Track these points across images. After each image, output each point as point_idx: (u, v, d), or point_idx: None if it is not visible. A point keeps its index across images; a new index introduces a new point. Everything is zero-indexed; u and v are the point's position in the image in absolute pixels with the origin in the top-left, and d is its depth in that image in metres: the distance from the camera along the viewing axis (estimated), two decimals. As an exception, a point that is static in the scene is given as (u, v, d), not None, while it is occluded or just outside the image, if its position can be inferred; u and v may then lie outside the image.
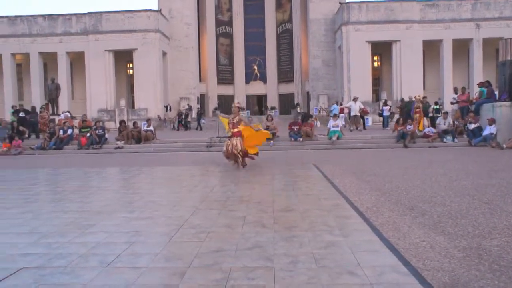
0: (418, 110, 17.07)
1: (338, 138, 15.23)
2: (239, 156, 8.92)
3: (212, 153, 13.75)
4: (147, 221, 4.55)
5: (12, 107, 21.00)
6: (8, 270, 3.00)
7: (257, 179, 7.40)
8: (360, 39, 28.79)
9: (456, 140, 14.48)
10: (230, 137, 9.11)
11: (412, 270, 2.87)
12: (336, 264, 3.03)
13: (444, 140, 14.58)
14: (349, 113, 21.07)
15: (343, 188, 6.24)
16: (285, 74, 38.70)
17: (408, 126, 14.96)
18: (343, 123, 18.19)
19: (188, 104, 30.62)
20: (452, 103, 17.86)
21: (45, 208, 5.52)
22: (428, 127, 16.32)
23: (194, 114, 30.08)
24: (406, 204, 5.12)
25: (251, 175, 8.10)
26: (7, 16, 30.82)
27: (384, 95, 27.84)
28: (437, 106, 19.43)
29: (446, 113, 16.14)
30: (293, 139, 15.49)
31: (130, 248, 3.49)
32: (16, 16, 30.81)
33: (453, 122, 15.57)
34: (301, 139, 15.32)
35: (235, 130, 9.03)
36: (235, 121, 9.14)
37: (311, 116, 20.29)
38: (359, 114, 20.49)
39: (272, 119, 16.40)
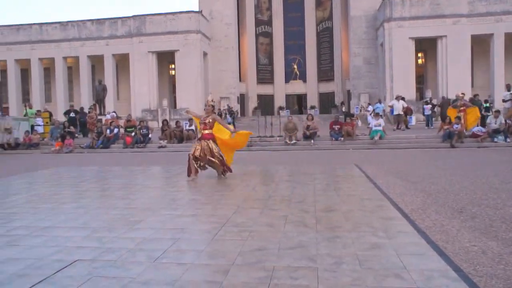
0: (463, 108, 16.32)
1: (380, 138, 14.89)
2: (216, 163, 7.60)
3: (253, 153, 13.85)
4: (190, 218, 4.66)
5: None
6: (65, 261, 3.18)
7: (298, 179, 7.37)
8: (403, 36, 27.89)
9: (508, 140, 13.74)
10: (199, 139, 7.78)
11: (462, 276, 2.75)
12: (381, 266, 2.97)
13: (495, 140, 13.87)
14: (391, 111, 20.56)
15: (386, 189, 6.09)
16: (325, 73, 38.22)
17: (455, 125, 14.36)
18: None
19: (227, 105, 31.01)
20: (504, 100, 16.93)
21: (95, 204, 5.78)
22: (477, 126, 15.57)
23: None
24: (454, 206, 4.92)
25: (292, 175, 8.08)
26: (59, 22, 32.56)
27: (428, 94, 26.79)
28: (487, 104, 18.50)
29: (498, 111, 15.32)
30: (334, 139, 15.30)
31: (175, 244, 3.59)
32: (68, 22, 32.46)
33: (505, 121, 14.76)
34: (342, 138, 15.10)
35: (206, 132, 7.66)
36: (207, 121, 7.71)
37: (352, 115, 19.96)
38: (402, 113, 19.91)
39: (312, 118, 16.28)
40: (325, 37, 38.12)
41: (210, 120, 7.71)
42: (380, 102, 23.37)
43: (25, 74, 34.13)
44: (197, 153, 7.49)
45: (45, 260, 3.23)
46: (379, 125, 15.30)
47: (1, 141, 16.99)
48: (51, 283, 2.77)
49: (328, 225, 4.15)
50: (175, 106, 32.23)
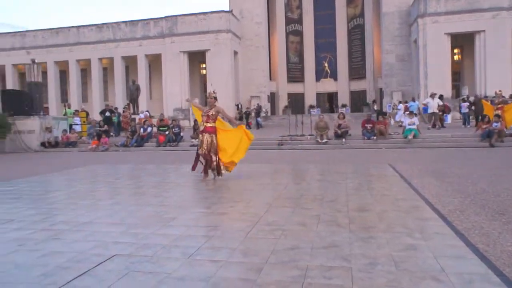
0: (500, 106, 15.66)
1: (414, 137, 14.51)
2: (212, 160, 7.22)
3: (283, 152, 13.84)
4: (223, 216, 4.71)
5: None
6: (103, 256, 3.30)
7: (330, 178, 7.30)
8: (439, 32, 27.03)
9: (552, 139, 13.07)
10: (201, 131, 7.39)
11: (506, 281, 2.64)
12: (418, 268, 2.90)
13: (538, 139, 13.23)
14: (424, 110, 20.06)
15: (421, 189, 5.94)
16: (357, 71, 37.63)
17: (495, 124, 13.79)
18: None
19: (257, 104, 31.08)
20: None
21: (130, 201, 5.95)
22: (519, 124, 14.88)
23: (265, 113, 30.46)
24: (494, 208, 4.73)
25: (324, 174, 8.01)
26: (95, 24, 33.67)
27: (465, 91, 25.90)
28: (529, 102, 17.65)
29: (541, 109, 14.61)
30: (366, 138, 15.04)
31: (208, 242, 3.64)
32: (103, 24, 33.53)
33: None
34: (374, 137, 14.83)
35: (209, 125, 7.26)
36: (210, 113, 7.28)
37: (385, 114, 19.57)
38: (437, 111, 19.33)
39: (344, 117, 16.08)
40: (356, 34, 37.51)
41: (214, 113, 7.30)
42: (413, 100, 22.77)
43: (63, 75, 35.53)
44: (201, 151, 7.23)
45: (85, 254, 3.36)
46: (413, 124, 14.91)
47: (42, 140, 17.75)
48: (92, 276, 2.88)
49: (362, 225, 4.09)
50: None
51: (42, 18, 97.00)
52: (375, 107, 29.63)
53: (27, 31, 35.46)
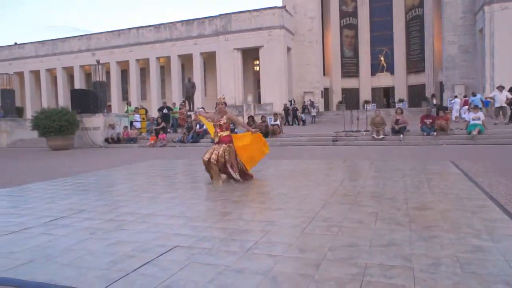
0: None
1: (479, 133, 13.64)
2: (229, 172, 6.83)
3: (338, 148, 13.61)
4: (279, 212, 4.73)
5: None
6: (166, 246, 3.45)
7: (388, 175, 7.08)
8: (508, 19, 25.11)
9: None
10: (217, 143, 6.91)
11: None
12: (487, 271, 2.73)
13: None
14: (485, 103, 18.81)
15: (488, 188, 5.57)
16: (415, 64, 36.04)
17: None
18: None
19: (310, 100, 30.80)
20: None
21: (188, 195, 6.14)
22: None
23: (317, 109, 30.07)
24: None
25: (380, 171, 7.78)
26: (153, 25, 35.10)
27: (539, 82, 23.86)
28: None
29: None
30: (425, 133, 14.39)
31: (265, 236, 3.67)
32: (160, 24, 34.88)
33: None
34: (434, 133, 14.15)
35: (224, 134, 6.83)
36: (222, 122, 6.81)
37: (446, 108, 18.59)
38: (505, 105, 18.01)
39: (401, 112, 15.50)
40: (415, 26, 35.93)
41: (225, 121, 6.86)
42: (474, 94, 21.39)
43: (124, 74, 37.45)
44: (213, 157, 6.68)
45: (149, 244, 3.53)
46: (478, 119, 14.03)
47: (106, 136, 18.84)
48: (156, 265, 3.03)
49: (423, 224, 3.93)
50: (259, 102, 32.87)
51: (105, 21, 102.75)
52: (434, 102, 28.24)
53: (92, 34, 37.80)
